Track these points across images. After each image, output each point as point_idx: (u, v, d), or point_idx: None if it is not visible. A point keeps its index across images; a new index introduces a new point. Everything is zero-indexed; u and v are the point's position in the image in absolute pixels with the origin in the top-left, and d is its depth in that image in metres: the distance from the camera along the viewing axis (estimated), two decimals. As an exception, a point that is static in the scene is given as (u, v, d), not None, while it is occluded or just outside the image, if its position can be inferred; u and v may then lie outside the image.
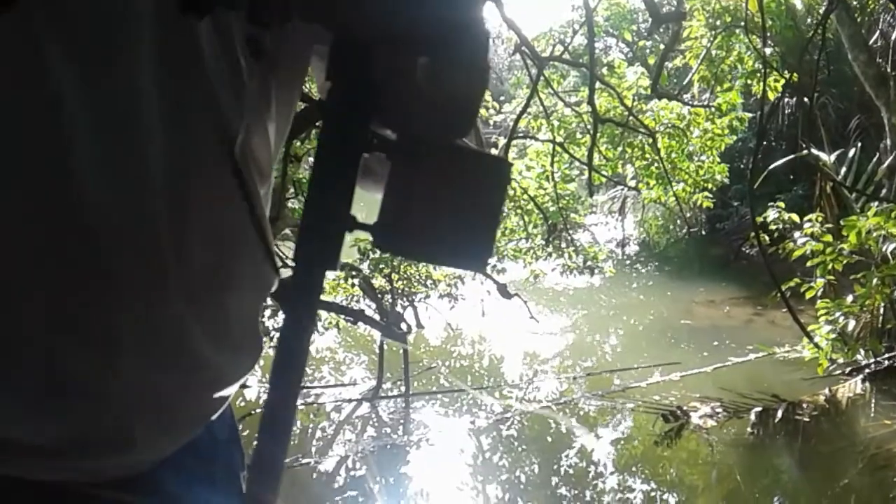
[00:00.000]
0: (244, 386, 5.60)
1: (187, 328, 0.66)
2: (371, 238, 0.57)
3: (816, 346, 4.64)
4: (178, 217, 0.63)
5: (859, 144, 7.54)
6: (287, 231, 5.90)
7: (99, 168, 0.57)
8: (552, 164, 6.57)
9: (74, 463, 0.65)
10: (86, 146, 0.56)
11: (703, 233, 11.27)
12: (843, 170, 6.75)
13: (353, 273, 5.50)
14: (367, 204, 0.64)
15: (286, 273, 0.67)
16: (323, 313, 5.86)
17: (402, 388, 5.52)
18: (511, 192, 6.61)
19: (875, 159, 6.79)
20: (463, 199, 0.58)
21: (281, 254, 5.41)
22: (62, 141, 0.55)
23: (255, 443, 0.60)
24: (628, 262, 11.43)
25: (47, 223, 0.57)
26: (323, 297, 5.87)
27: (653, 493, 4.31)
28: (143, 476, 0.70)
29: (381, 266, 5.57)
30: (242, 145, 0.66)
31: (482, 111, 6.62)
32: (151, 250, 0.62)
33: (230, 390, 0.76)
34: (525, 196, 6.63)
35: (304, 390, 5.80)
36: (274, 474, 0.60)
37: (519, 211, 6.84)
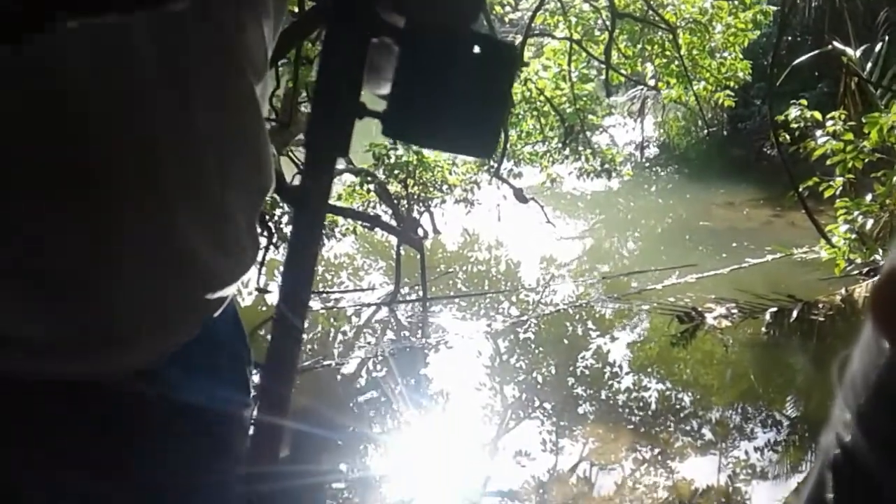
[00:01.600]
0: (265, 291, 5.70)
1: (185, 226, 0.67)
2: (381, 125, 0.57)
3: (833, 246, 4.60)
4: (173, 113, 0.63)
5: (887, 38, 7.26)
6: (300, 137, 5.86)
7: (88, 60, 0.57)
8: (569, 64, 6.41)
9: (80, 359, 0.67)
10: (76, 45, 0.56)
11: (724, 133, 11.06)
12: (869, 65, 6.52)
13: (369, 179, 5.49)
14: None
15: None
16: (340, 219, 5.89)
17: (420, 293, 5.59)
18: (527, 94, 6.48)
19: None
20: (471, 84, 0.58)
21: (296, 160, 5.34)
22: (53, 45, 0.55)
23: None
24: (647, 164, 11.29)
25: (38, 113, 0.57)
26: (339, 203, 5.91)
27: (667, 393, 4.39)
28: (148, 372, 0.72)
29: (396, 171, 5.55)
30: (237, 40, 0.65)
31: (497, 8, 6.43)
32: (146, 143, 0.62)
33: (229, 290, 0.77)
34: (541, 97, 6.51)
35: (324, 295, 5.90)
36: (287, 369, 0.61)
37: (535, 113, 6.72)
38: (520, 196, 6.81)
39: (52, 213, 0.60)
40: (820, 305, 4.89)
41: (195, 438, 0.77)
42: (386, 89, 0.58)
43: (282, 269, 0.60)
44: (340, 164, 5.85)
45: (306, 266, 0.59)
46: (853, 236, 4.51)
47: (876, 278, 0.32)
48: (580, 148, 7.16)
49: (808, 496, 0.34)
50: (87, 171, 0.60)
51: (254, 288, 5.75)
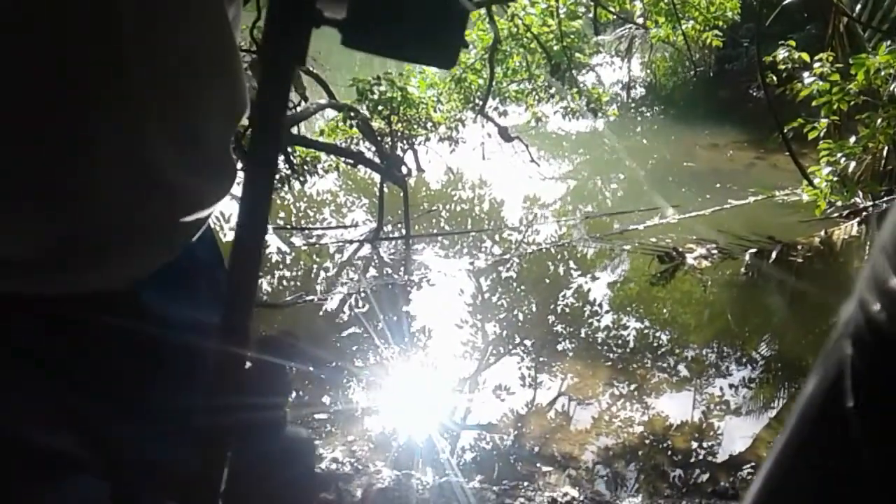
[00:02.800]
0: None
1: (157, 144, 0.66)
2: (340, 35, 0.55)
3: (815, 187, 4.63)
4: (143, 31, 0.62)
5: (878, -21, 7.18)
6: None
7: None
8: (557, 0, 6.31)
9: (55, 275, 0.67)
10: None
11: (711, 74, 10.99)
12: (859, 7, 6.47)
13: (352, 115, 5.42)
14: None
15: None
16: (323, 156, 5.84)
17: (403, 231, 5.59)
18: (514, 30, 6.39)
19: (893, -5, 6.50)
20: None
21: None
22: None
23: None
24: (633, 105, 11.23)
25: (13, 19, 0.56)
26: (322, 139, 5.84)
27: (646, 331, 4.45)
28: (125, 295, 0.72)
29: (380, 108, 5.48)
30: None
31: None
32: (117, 57, 0.61)
33: (205, 213, 0.77)
34: (528, 34, 6.41)
35: (306, 231, 5.89)
36: (246, 301, 0.61)
37: (521, 50, 6.64)
38: (504, 134, 6.78)
39: (25, 123, 0.60)
40: (799, 247, 4.95)
41: (173, 361, 0.77)
42: (342, 13, 0.56)
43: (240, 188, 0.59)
44: (323, 100, 5.77)
45: (264, 186, 0.58)
46: (835, 178, 4.54)
47: None
48: (566, 87, 7.10)
49: (811, 396, 0.32)
50: (62, 81, 0.60)
51: (235, 224, 5.73)
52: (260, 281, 5.12)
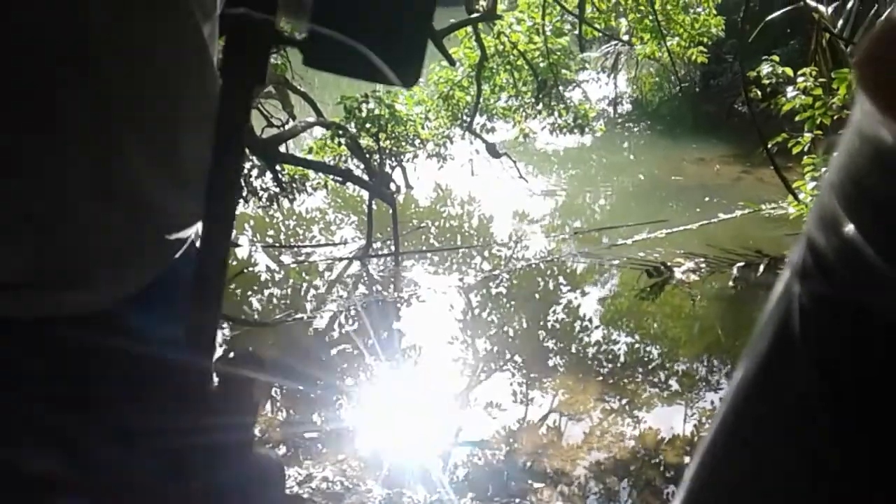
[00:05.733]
0: (234, 245, 5.66)
1: (139, 167, 0.66)
2: (301, 55, 0.55)
3: (800, 201, 4.67)
4: (122, 52, 0.62)
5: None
6: (270, 88, 5.77)
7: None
8: (543, 17, 6.36)
9: (32, 298, 0.67)
10: None
11: (697, 90, 11.08)
12: (841, 22, 6.55)
13: (340, 132, 5.43)
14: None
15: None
16: (311, 173, 5.85)
17: (392, 248, 5.59)
18: (500, 47, 6.43)
19: (873, 10, 6.58)
20: (392, 9, 0.57)
21: (265, 113, 5.26)
22: None
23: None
24: (620, 120, 11.30)
25: None
26: (310, 157, 5.85)
27: (636, 346, 4.46)
28: (106, 314, 0.72)
29: (368, 125, 5.50)
30: None
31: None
32: (93, 77, 0.61)
33: (186, 233, 0.77)
34: (514, 51, 6.46)
35: (295, 249, 5.88)
36: (211, 319, 0.60)
37: (508, 66, 6.68)
38: (492, 151, 6.80)
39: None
40: (786, 260, 4.97)
41: (156, 383, 0.77)
42: (304, 16, 0.56)
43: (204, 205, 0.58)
44: (311, 118, 5.79)
45: (227, 206, 0.57)
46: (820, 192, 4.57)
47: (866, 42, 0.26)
48: (553, 103, 7.14)
49: (761, 335, 0.33)
50: (33, 102, 0.60)
51: (199, 242, 5.71)
52: (249, 299, 5.12)
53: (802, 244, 0.30)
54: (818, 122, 4.59)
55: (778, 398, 0.31)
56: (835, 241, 0.28)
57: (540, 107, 7.22)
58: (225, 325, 4.32)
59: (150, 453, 0.70)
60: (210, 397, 0.62)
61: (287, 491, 2.86)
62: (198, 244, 0.84)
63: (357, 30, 0.55)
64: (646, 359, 4.29)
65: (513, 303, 5.09)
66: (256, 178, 5.69)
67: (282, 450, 3.25)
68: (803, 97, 4.65)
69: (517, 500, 2.88)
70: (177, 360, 0.70)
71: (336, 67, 0.59)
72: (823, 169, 4.59)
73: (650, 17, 6.62)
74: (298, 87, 6.02)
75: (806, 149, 4.73)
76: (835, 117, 4.54)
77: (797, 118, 4.76)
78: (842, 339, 0.28)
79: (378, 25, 0.56)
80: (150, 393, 0.77)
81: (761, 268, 4.92)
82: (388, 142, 5.76)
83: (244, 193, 5.50)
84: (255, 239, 6.07)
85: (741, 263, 5.01)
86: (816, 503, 0.29)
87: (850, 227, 0.27)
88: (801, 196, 4.67)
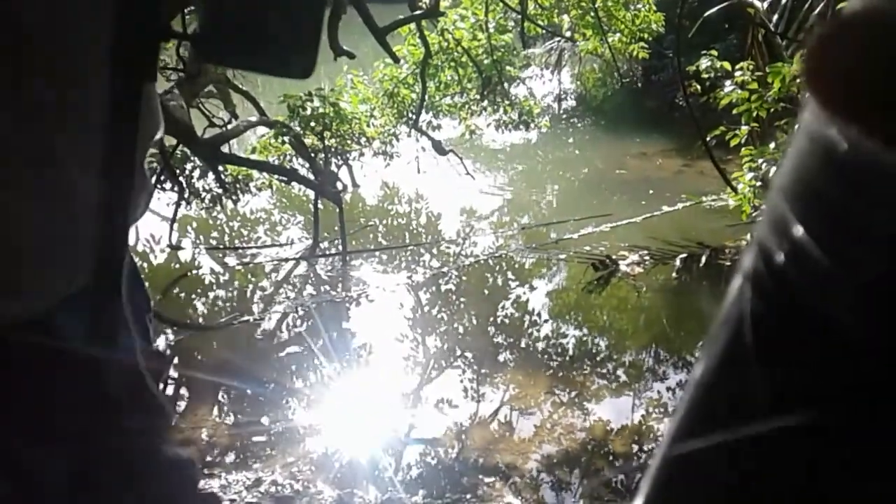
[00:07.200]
0: (177, 248, 5.55)
1: (66, 168, 0.64)
2: (194, 48, 0.54)
3: (737, 192, 4.78)
4: (51, 52, 0.60)
5: (792, -9, 7.47)
6: (211, 88, 5.68)
7: None
8: (486, 14, 6.38)
9: None
10: None
11: (639, 85, 11.26)
12: (776, 17, 6.72)
13: (284, 131, 5.37)
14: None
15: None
16: (255, 174, 5.77)
17: (340, 247, 5.55)
18: (444, 44, 6.43)
19: (807, 6, 6.77)
20: (283, 1, 0.56)
21: (207, 112, 5.17)
22: None
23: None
24: (564, 116, 11.42)
25: None
26: (254, 157, 5.77)
27: (584, 339, 4.51)
28: (46, 319, 0.70)
29: (312, 124, 5.44)
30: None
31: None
32: (17, 64, 0.59)
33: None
34: (458, 48, 6.47)
35: (240, 251, 5.79)
36: (109, 321, 0.59)
37: (453, 64, 6.68)
38: (439, 148, 6.80)
39: None
40: (726, 251, 5.09)
41: (91, 387, 0.75)
42: (197, 9, 0.55)
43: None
44: (254, 117, 5.71)
45: (119, 205, 0.56)
46: (758, 183, 4.68)
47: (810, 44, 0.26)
48: (498, 100, 7.18)
49: (713, 342, 0.33)
50: None
51: (165, 245, 5.60)
52: (194, 302, 5.02)
53: (753, 249, 0.30)
54: (755, 114, 4.70)
55: (730, 407, 0.31)
56: (785, 246, 0.28)
57: (485, 104, 7.25)
58: (169, 329, 4.24)
59: (63, 456, 0.69)
60: (113, 397, 0.61)
61: (234, 496, 2.81)
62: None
63: (249, 23, 0.54)
64: (594, 351, 4.34)
65: (462, 299, 5.10)
66: (199, 178, 5.59)
67: (230, 454, 3.20)
68: (740, 91, 4.75)
69: (468, 496, 2.88)
70: (115, 362, 0.68)
71: (230, 61, 0.58)
72: (761, 160, 4.71)
73: (591, 14, 6.70)
74: (240, 86, 5.93)
75: (743, 141, 4.84)
76: (770, 110, 4.66)
77: (734, 111, 4.87)
78: (793, 344, 0.28)
79: (270, 17, 0.55)
80: (89, 396, 0.75)
81: (703, 259, 5.02)
82: (333, 140, 5.71)
83: (186, 195, 5.40)
84: (198, 241, 5.96)
85: (684, 255, 5.11)
86: None
87: (799, 230, 0.27)
88: (739, 187, 4.77)
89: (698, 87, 5.51)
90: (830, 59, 0.25)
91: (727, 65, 5.15)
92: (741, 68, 4.94)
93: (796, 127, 0.29)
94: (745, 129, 4.80)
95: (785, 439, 0.28)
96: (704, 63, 5.27)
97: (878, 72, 0.24)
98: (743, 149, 4.75)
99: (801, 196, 0.28)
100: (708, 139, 5.13)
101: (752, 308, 0.29)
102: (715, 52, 5.41)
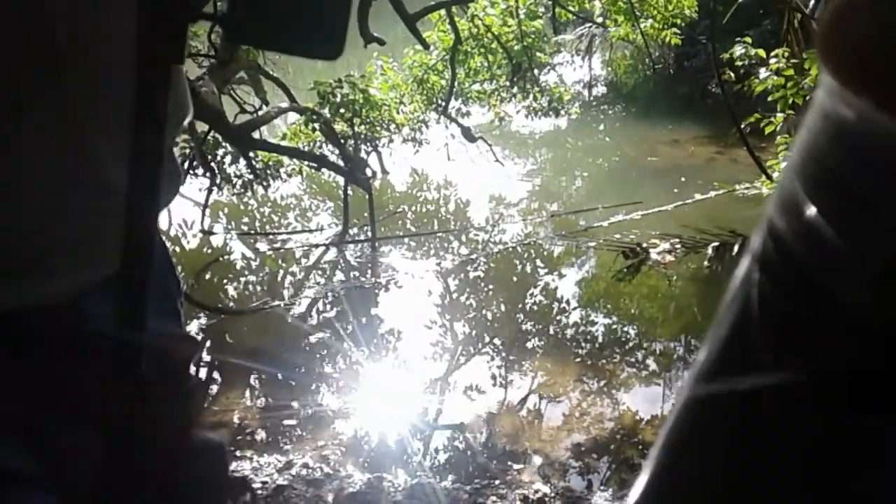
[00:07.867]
0: (209, 233, 5.61)
1: (99, 152, 0.65)
2: (222, 30, 0.54)
3: (773, 181, 4.71)
4: (84, 43, 0.61)
5: (831, -25, 7.31)
6: (242, 74, 5.72)
7: None
8: (516, 0, 6.33)
9: None
10: None
11: (671, 71, 11.13)
12: (812, 2, 6.60)
13: (314, 118, 5.39)
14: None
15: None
16: (286, 160, 5.80)
17: (369, 233, 5.57)
18: (474, 31, 6.40)
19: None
20: None
21: (238, 99, 5.21)
22: None
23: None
24: (595, 103, 11.33)
25: None
26: (284, 143, 5.81)
27: (613, 327, 4.49)
28: (69, 306, 0.71)
29: (342, 110, 5.46)
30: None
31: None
32: (49, 54, 0.60)
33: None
34: (489, 34, 6.43)
35: (271, 237, 5.84)
36: (139, 305, 0.59)
37: (482, 50, 6.66)
38: (468, 135, 6.79)
39: None
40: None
41: (120, 371, 0.76)
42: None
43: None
44: (284, 103, 5.74)
45: (149, 190, 0.56)
46: (793, 171, 4.62)
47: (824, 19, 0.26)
48: (528, 86, 7.14)
49: (720, 324, 0.32)
50: None
51: (198, 230, 5.67)
52: (226, 287, 5.08)
53: (762, 229, 0.29)
54: (790, 102, 4.63)
55: (734, 389, 0.31)
56: (795, 225, 0.27)
57: (515, 90, 7.22)
58: (201, 313, 4.29)
59: (91, 440, 0.70)
60: (141, 383, 0.62)
61: (266, 478, 2.85)
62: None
63: (277, 2, 0.54)
64: (623, 339, 4.32)
65: (490, 286, 5.10)
66: (230, 165, 5.64)
67: (261, 436, 3.24)
68: (776, 78, 4.68)
69: (497, 482, 2.89)
70: (118, 345, 0.69)
71: (258, 41, 0.58)
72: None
73: (623, -1, 6.63)
74: (271, 73, 5.96)
75: (778, 129, 4.77)
76: (807, 97, 4.58)
77: (769, 99, 4.80)
78: (801, 324, 0.27)
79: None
80: (119, 381, 0.76)
81: (736, 248, 4.96)
82: (362, 127, 5.73)
83: (218, 180, 5.45)
84: (229, 226, 6.02)
85: (716, 243, 5.05)
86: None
87: (811, 209, 0.26)
88: (774, 175, 4.71)
89: (732, 74, 5.44)
90: (843, 30, 0.25)
91: (762, 52, 5.08)
92: (776, 55, 4.87)
93: (811, 104, 0.29)
94: (780, 116, 4.73)
95: (790, 421, 0.28)
96: (739, 50, 5.20)
97: (890, 43, 0.24)
98: (778, 137, 4.69)
99: (812, 175, 0.27)
100: (742, 126, 5.07)
101: (760, 288, 0.29)
102: (749, 39, 5.34)
